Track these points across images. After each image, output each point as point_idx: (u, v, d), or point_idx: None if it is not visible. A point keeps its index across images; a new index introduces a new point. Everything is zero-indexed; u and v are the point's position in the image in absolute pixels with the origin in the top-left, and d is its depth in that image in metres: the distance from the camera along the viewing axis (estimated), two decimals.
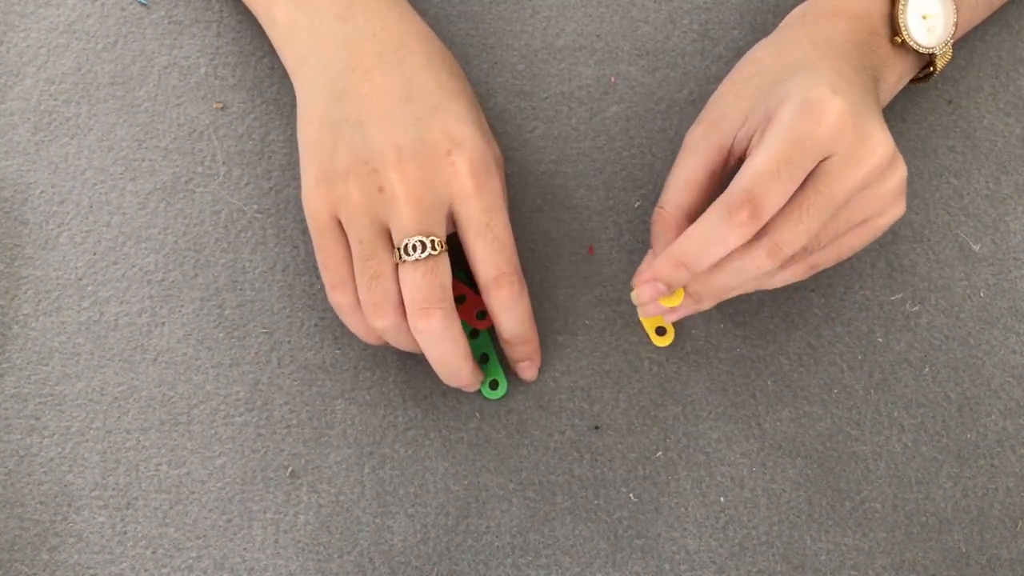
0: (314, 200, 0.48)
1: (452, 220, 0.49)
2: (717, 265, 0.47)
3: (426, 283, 0.47)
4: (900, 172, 0.47)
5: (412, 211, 0.46)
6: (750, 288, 0.50)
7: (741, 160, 0.49)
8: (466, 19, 0.58)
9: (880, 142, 0.46)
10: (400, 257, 0.47)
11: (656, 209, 0.51)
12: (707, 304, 0.51)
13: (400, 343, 0.49)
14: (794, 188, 0.45)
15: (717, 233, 0.45)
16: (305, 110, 0.50)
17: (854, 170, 0.46)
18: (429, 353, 0.49)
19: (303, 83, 0.51)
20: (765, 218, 0.45)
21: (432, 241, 0.46)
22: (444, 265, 0.47)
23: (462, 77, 0.52)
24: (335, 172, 0.48)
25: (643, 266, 0.51)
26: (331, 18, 0.50)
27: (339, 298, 0.49)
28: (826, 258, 0.49)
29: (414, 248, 0.46)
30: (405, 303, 0.47)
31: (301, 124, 0.50)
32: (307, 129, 0.50)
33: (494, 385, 0.54)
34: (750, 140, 0.48)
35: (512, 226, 0.55)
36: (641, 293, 0.49)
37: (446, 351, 0.48)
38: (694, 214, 0.50)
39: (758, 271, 0.47)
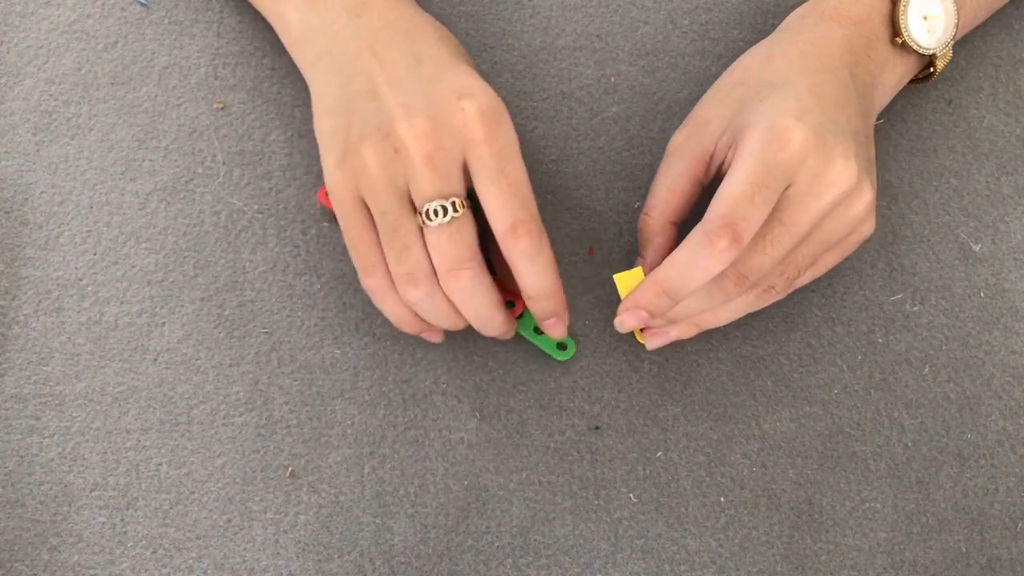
0: (337, 184, 0.48)
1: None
2: None
3: (452, 246, 0.46)
4: (865, 197, 0.48)
5: (428, 170, 0.46)
6: (733, 317, 0.51)
7: (721, 166, 0.50)
8: (466, 19, 0.59)
9: (842, 172, 0.46)
10: (423, 221, 0.46)
11: (641, 216, 0.52)
12: (688, 331, 0.52)
13: (432, 314, 0.49)
14: (769, 211, 0.46)
15: (698, 260, 0.45)
16: (319, 103, 0.50)
17: (816, 200, 0.46)
18: (463, 308, 0.48)
19: (316, 79, 0.50)
20: (745, 242, 0.45)
21: (453, 203, 0.46)
22: (468, 224, 0.47)
23: (472, 63, 0.52)
24: (350, 149, 0.47)
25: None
26: (344, 15, 0.50)
27: (371, 282, 0.49)
28: (802, 279, 0.51)
29: (436, 213, 0.46)
30: (435, 266, 0.47)
31: (316, 118, 0.50)
32: (321, 119, 0.49)
33: (562, 347, 0.54)
34: (728, 150, 0.49)
35: None
36: (625, 320, 0.49)
37: (478, 305, 0.48)
38: (678, 218, 0.51)
39: (726, 298, 0.49)
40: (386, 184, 0.46)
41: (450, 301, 0.48)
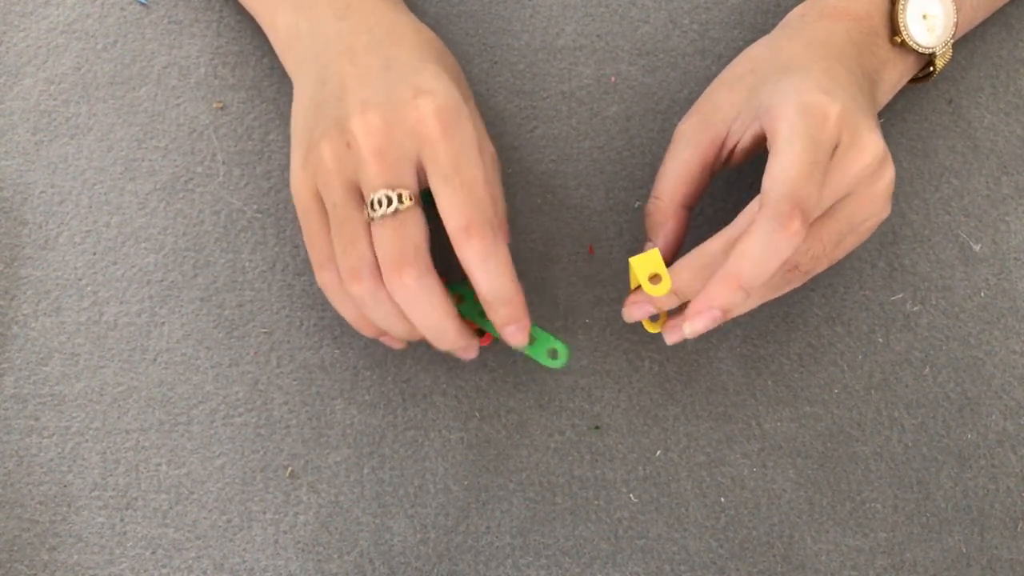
0: (298, 181, 0.47)
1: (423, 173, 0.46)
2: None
3: (396, 239, 0.45)
4: (889, 173, 0.48)
5: (376, 163, 0.45)
6: (757, 302, 0.50)
7: (732, 152, 0.50)
8: (466, 19, 0.58)
9: (871, 143, 0.46)
10: (369, 214, 0.45)
11: (651, 200, 0.51)
12: (714, 322, 0.50)
13: (379, 315, 0.47)
14: (822, 186, 0.45)
15: (773, 245, 0.44)
16: (296, 104, 0.50)
17: (847, 171, 0.46)
18: (408, 312, 0.46)
19: (299, 81, 0.51)
20: (812, 220, 0.44)
21: (400, 194, 0.44)
22: (415, 219, 0.45)
23: (457, 69, 0.52)
24: (312, 146, 0.47)
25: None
26: (329, 18, 0.50)
27: (324, 277, 0.48)
28: (823, 262, 0.50)
29: (380, 203, 0.44)
30: (379, 262, 0.45)
31: (292, 117, 0.50)
32: (295, 120, 0.49)
33: (553, 354, 0.50)
34: (743, 134, 0.49)
35: (512, 226, 0.56)
36: (695, 325, 0.47)
37: (424, 310, 0.46)
38: (690, 202, 0.51)
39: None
40: (337, 177, 0.46)
41: (394, 302, 0.46)
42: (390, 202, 0.45)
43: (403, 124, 0.45)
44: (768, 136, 0.46)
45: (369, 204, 0.45)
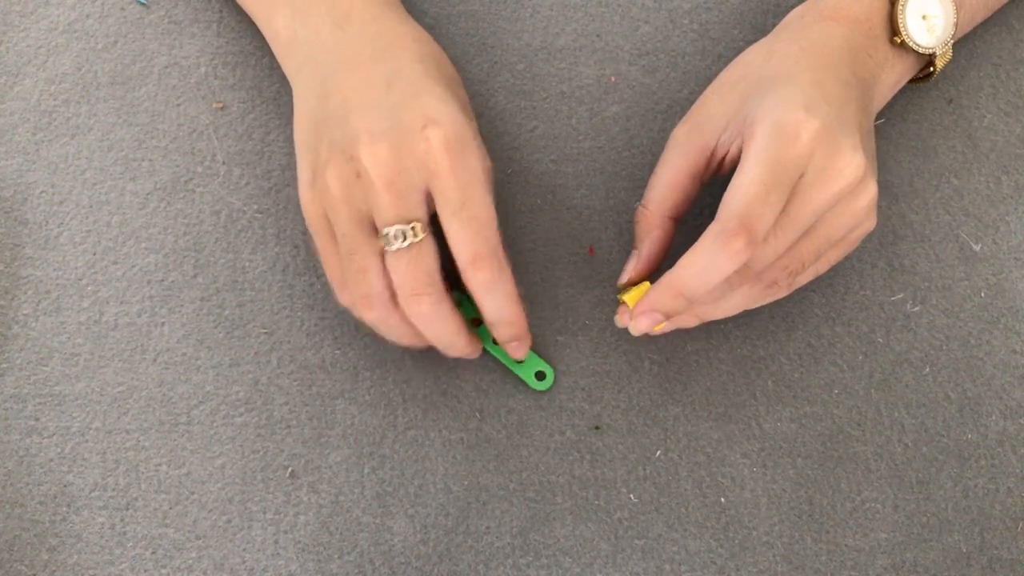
0: (308, 204, 0.48)
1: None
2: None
3: (411, 271, 0.46)
4: (870, 191, 0.48)
5: (388, 195, 0.46)
6: (734, 310, 0.50)
7: (722, 162, 0.50)
8: (466, 19, 0.58)
9: (849, 163, 0.46)
10: (383, 247, 0.47)
11: (639, 208, 0.51)
12: (690, 322, 0.51)
13: (392, 335, 0.49)
14: (781, 208, 0.45)
15: (715, 262, 0.45)
16: (298, 114, 0.50)
17: (822, 191, 0.46)
18: (424, 332, 0.49)
19: (298, 88, 0.51)
20: (760, 241, 0.45)
21: (413, 228, 0.46)
22: (428, 250, 0.47)
23: (455, 78, 0.52)
24: (318, 170, 0.47)
25: (628, 266, 0.51)
26: (328, 25, 0.50)
27: (346, 297, 0.49)
28: (805, 276, 0.50)
29: (395, 237, 0.46)
30: (395, 289, 0.47)
31: (294, 130, 0.50)
32: (299, 134, 0.50)
33: (540, 376, 0.54)
34: (731, 145, 0.49)
35: (512, 226, 0.56)
36: (640, 324, 0.49)
37: (440, 330, 0.49)
38: (677, 212, 0.51)
39: (730, 289, 0.48)
40: (347, 207, 0.47)
41: (408, 323, 0.48)
42: (404, 236, 0.46)
43: (412, 155, 0.46)
44: (742, 151, 0.47)
45: (383, 237, 0.46)
